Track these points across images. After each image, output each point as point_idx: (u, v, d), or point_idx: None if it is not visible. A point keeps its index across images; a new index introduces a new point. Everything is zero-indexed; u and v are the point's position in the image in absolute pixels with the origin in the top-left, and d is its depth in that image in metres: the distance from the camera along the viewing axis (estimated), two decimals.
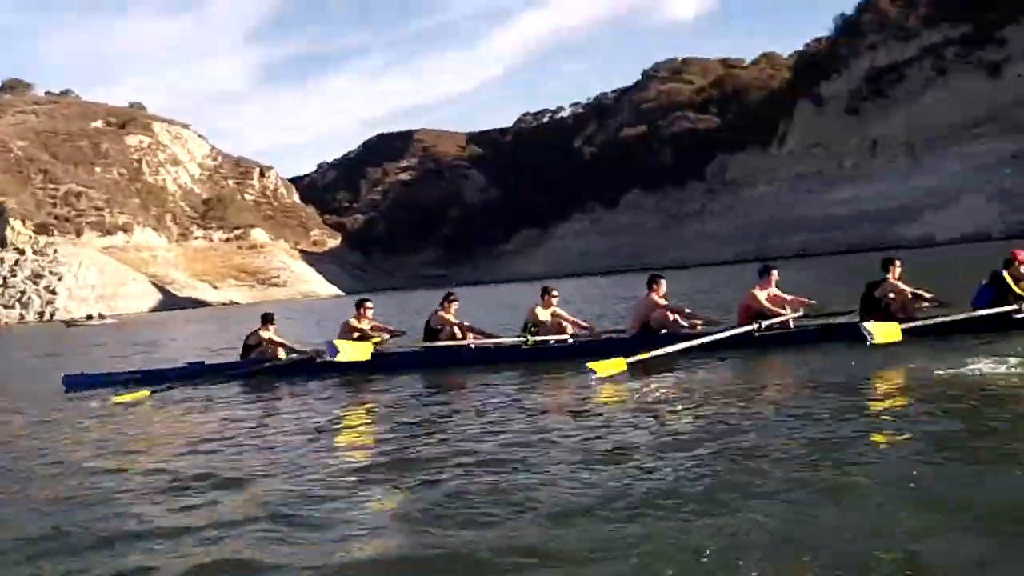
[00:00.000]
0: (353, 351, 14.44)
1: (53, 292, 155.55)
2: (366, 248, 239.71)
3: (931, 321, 12.18)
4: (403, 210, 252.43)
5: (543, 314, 15.00)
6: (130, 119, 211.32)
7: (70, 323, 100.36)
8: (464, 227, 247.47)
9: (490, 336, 15.55)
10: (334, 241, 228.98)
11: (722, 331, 13.18)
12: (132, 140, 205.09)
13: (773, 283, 13.89)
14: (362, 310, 15.97)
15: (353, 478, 7.03)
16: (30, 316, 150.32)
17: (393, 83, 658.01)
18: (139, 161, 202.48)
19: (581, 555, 4.76)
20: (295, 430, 9.77)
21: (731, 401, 8.99)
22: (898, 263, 13.45)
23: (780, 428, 7.48)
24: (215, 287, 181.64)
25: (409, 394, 12.15)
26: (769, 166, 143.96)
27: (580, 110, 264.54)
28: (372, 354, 14.75)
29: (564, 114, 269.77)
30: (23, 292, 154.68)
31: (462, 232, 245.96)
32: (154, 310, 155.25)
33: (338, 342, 14.45)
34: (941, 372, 9.27)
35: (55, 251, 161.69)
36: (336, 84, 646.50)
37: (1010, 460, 5.86)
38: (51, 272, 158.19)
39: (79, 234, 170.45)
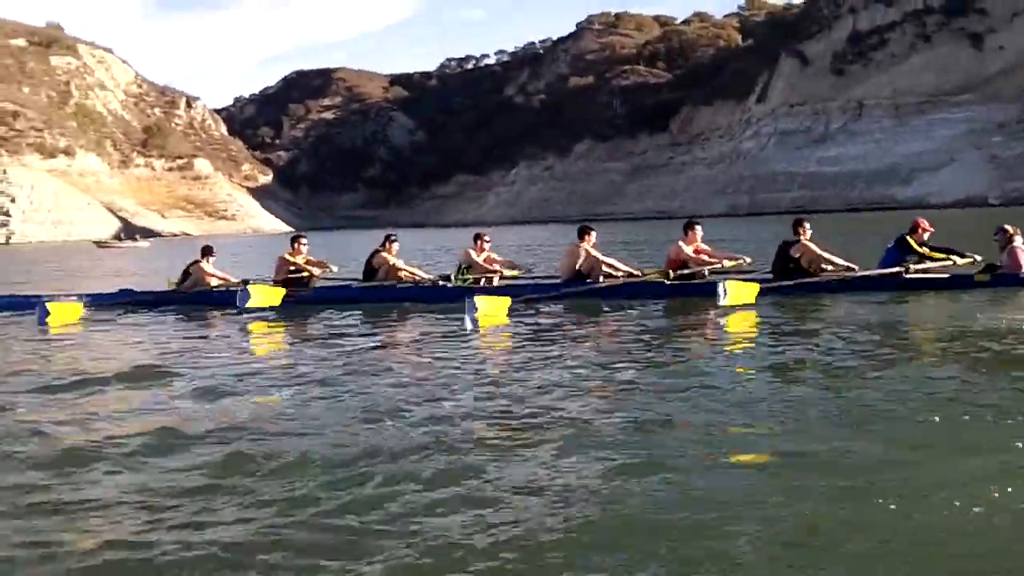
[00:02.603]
0: (262, 296, 14.83)
1: (7, 214, 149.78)
2: (293, 186, 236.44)
3: (790, 282, 13.60)
4: (329, 149, 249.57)
5: (476, 257, 15.92)
6: (54, 40, 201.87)
7: (100, 243, 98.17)
8: (393, 169, 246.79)
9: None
10: (265, 177, 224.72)
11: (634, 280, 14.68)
12: (59, 61, 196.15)
13: (698, 238, 14.87)
14: (296, 245, 16.41)
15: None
16: None
17: (295, 18, 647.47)
18: (67, 84, 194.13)
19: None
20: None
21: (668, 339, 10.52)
22: (807, 225, 14.50)
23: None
24: (164, 217, 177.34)
25: (330, 328, 12.88)
26: (746, 121, 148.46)
27: (506, 58, 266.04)
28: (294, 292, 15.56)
29: (489, 61, 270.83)
30: None
31: (392, 174, 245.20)
32: (115, 238, 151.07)
33: (251, 287, 14.93)
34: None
35: (4, 171, 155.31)
36: (235, 14, 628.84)
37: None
38: (3, 194, 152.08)
39: (19, 155, 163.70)
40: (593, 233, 15.12)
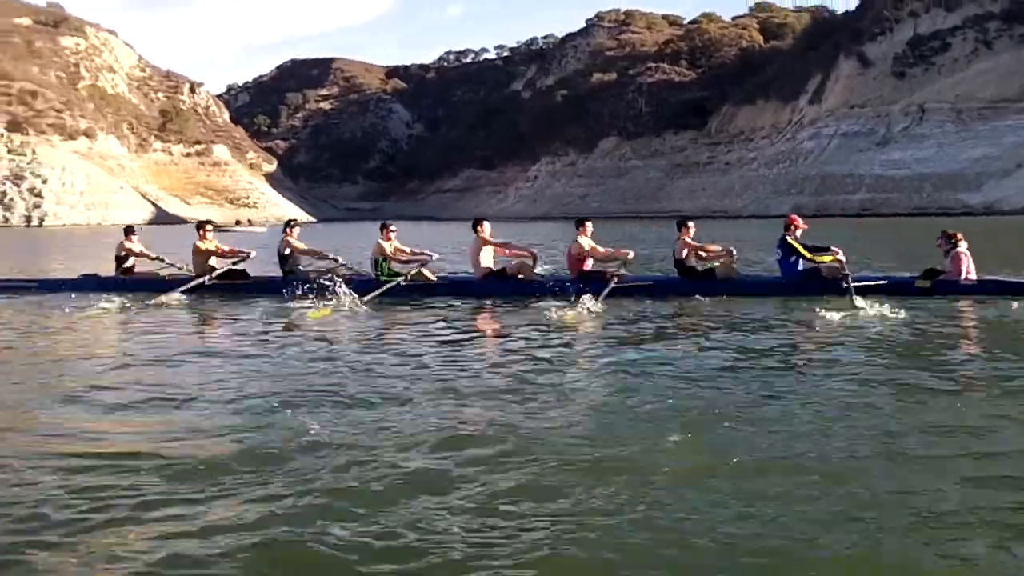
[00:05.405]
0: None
1: (39, 196, 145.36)
2: (292, 176, 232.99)
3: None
4: (328, 139, 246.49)
5: (388, 248, 16.36)
6: (61, 20, 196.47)
7: (217, 228, 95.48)
8: (393, 162, 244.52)
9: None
10: (270, 165, 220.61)
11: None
12: (68, 42, 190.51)
13: (588, 234, 15.78)
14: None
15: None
16: (15, 220, 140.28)
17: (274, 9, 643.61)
18: (76, 65, 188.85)
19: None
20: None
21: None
22: (691, 224, 15.71)
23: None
24: (187, 203, 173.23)
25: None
26: (799, 122, 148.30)
27: (506, 53, 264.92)
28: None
29: (489, 55, 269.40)
30: (3, 194, 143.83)
31: (391, 167, 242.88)
32: (150, 223, 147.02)
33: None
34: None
35: (33, 152, 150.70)
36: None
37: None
38: (33, 174, 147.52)
39: (46, 136, 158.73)
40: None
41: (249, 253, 17.13)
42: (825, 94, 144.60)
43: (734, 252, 15.66)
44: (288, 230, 17.02)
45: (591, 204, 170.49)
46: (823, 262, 14.49)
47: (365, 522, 4.48)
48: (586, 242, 15.59)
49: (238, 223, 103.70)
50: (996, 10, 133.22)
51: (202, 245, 16.88)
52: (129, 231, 18.20)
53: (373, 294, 14.77)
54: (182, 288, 15.86)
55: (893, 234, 49.06)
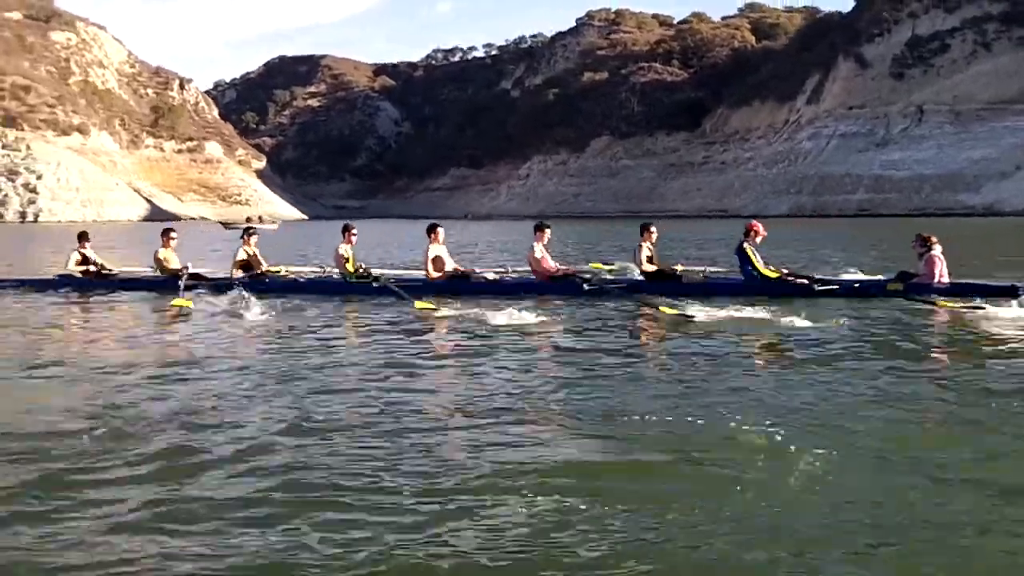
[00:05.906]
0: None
1: (34, 191, 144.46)
2: (280, 173, 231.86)
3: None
4: (315, 137, 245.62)
5: (350, 250, 16.70)
6: (52, 14, 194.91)
7: (227, 225, 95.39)
8: (381, 160, 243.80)
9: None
10: (259, 163, 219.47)
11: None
12: (59, 37, 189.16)
13: (544, 241, 16.01)
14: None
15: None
16: (10, 216, 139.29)
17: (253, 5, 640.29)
18: (67, 60, 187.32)
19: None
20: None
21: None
22: (652, 228, 16.02)
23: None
24: (181, 200, 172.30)
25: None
26: (796, 123, 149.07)
27: (494, 51, 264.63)
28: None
29: (478, 53, 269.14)
30: None
31: (379, 164, 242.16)
32: (144, 220, 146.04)
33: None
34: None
35: (28, 147, 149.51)
36: None
37: None
38: (28, 170, 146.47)
39: (40, 131, 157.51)
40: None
41: (188, 266, 17.37)
42: (823, 95, 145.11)
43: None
44: (246, 237, 17.60)
45: (584, 203, 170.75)
46: (768, 276, 14.67)
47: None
48: (539, 250, 15.72)
49: (248, 220, 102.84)
50: (995, 12, 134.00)
51: (163, 253, 17.58)
52: (83, 237, 18.81)
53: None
54: (184, 287, 15.92)
55: (892, 234, 49.14)
